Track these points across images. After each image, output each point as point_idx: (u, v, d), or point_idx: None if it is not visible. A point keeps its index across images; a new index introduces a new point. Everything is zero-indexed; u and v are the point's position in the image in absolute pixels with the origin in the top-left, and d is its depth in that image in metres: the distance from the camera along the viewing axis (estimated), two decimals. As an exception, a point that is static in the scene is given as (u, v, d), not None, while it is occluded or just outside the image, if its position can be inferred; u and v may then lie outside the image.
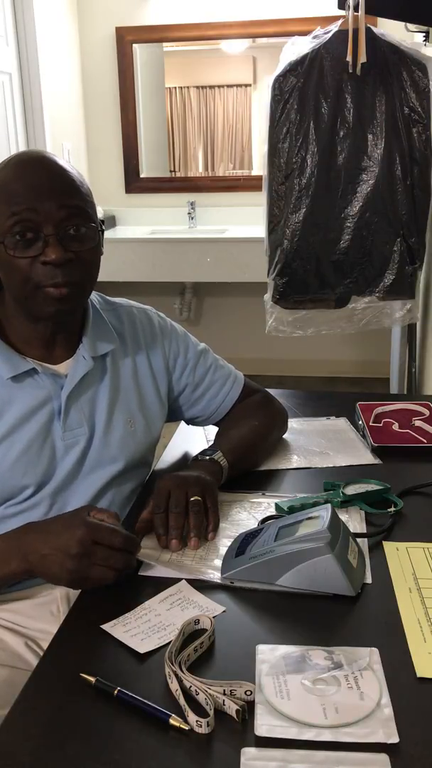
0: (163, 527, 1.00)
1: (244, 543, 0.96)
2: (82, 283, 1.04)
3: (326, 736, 0.66)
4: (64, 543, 0.87)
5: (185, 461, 1.29)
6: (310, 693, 0.71)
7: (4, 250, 0.99)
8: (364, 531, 1.03)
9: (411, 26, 2.66)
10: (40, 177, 1.00)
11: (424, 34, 2.70)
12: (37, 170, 1.00)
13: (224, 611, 0.86)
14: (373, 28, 2.37)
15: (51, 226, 0.98)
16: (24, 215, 0.97)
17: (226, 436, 1.23)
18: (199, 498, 1.01)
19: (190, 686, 0.72)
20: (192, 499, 1.00)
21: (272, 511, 1.08)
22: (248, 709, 0.70)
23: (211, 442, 1.30)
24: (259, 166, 3.92)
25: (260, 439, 1.25)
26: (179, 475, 1.06)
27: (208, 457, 1.13)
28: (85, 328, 1.12)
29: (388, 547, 0.99)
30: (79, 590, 0.91)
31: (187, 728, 0.68)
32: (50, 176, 1.00)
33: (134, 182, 3.92)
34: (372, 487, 1.12)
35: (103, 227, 1.07)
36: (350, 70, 2.33)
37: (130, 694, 0.71)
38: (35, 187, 0.98)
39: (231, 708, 0.69)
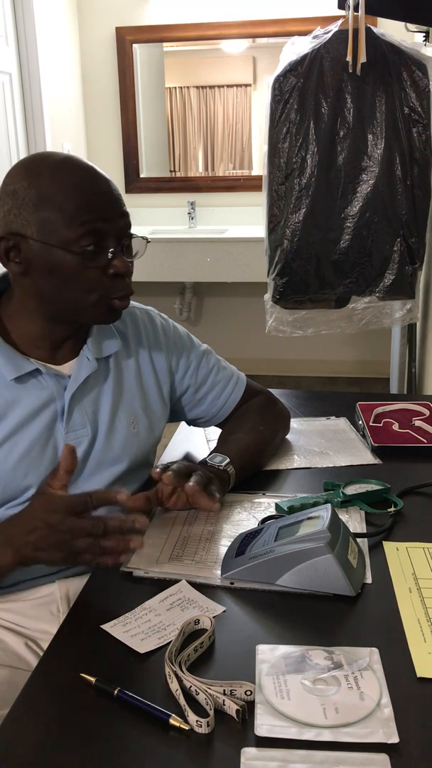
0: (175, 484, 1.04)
1: (244, 543, 0.96)
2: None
3: (326, 736, 0.66)
4: (30, 523, 0.87)
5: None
6: (310, 693, 0.71)
7: (72, 259, 0.96)
8: (364, 531, 1.03)
9: (411, 26, 2.67)
10: (101, 185, 0.98)
11: (424, 34, 2.70)
12: (97, 178, 0.98)
13: (224, 611, 0.86)
14: (373, 28, 2.37)
15: (114, 236, 0.98)
16: (97, 225, 0.96)
17: (232, 441, 1.22)
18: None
19: (190, 686, 0.72)
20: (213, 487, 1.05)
21: (272, 511, 1.08)
22: (248, 709, 0.70)
23: (212, 442, 1.30)
24: (259, 166, 3.92)
25: (266, 444, 1.26)
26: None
27: (216, 465, 1.13)
28: (90, 329, 1.12)
29: (388, 547, 0.99)
30: (79, 590, 0.91)
31: (187, 728, 0.68)
32: (110, 185, 0.99)
33: (134, 182, 3.93)
34: (372, 487, 1.12)
35: (149, 240, 1.06)
36: (350, 70, 2.33)
37: (130, 694, 0.71)
38: (103, 195, 0.97)
39: (231, 708, 0.69)
